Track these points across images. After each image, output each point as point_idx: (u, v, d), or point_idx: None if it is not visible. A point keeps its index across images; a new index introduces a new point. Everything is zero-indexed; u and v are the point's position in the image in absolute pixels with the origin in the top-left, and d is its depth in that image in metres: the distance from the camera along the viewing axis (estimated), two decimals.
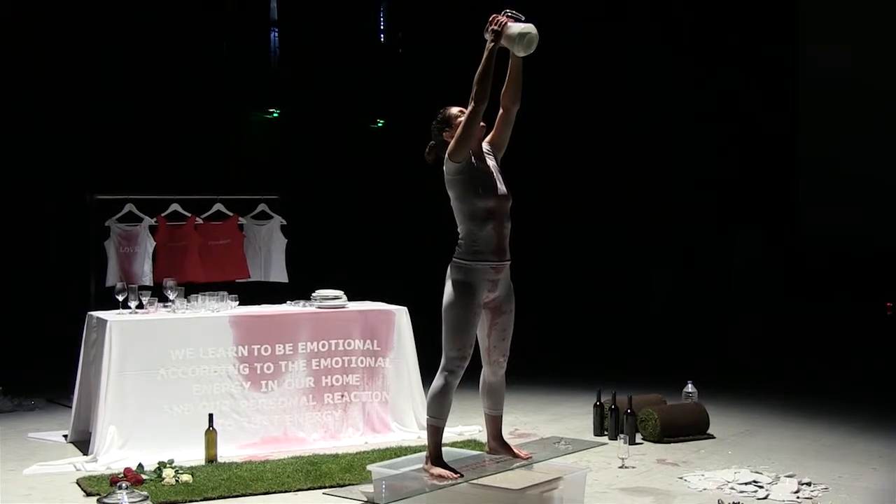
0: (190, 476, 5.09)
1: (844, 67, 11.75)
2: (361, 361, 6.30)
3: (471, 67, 4.57)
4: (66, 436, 6.18)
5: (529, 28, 4.60)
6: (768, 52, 12.38)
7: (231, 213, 7.57)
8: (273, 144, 13.04)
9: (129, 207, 7.23)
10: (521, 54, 4.66)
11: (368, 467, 4.86)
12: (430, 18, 13.26)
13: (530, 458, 4.87)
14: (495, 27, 4.59)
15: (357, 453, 5.71)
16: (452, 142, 4.62)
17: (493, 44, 4.58)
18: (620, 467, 5.49)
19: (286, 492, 4.98)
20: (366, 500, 4.81)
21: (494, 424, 4.96)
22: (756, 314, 11.33)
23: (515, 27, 4.59)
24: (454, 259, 4.70)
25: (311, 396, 6.14)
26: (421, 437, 5.95)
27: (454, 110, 4.75)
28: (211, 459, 5.51)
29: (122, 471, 5.10)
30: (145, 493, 4.34)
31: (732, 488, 5.06)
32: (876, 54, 11.68)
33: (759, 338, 10.88)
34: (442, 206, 4.95)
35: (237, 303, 6.26)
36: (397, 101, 13.22)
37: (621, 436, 6.01)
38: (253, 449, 5.85)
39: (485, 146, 4.79)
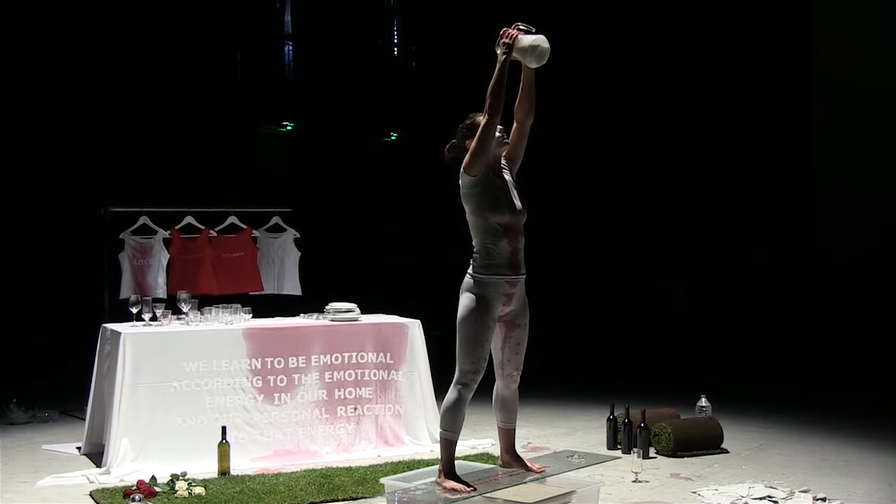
0: (203, 489, 5.09)
1: (858, 77, 11.72)
2: (374, 374, 6.29)
3: (484, 80, 4.57)
4: (79, 448, 6.19)
5: (540, 40, 4.61)
6: (780, 64, 12.37)
7: (245, 226, 7.59)
8: (287, 157, 13.09)
9: (143, 220, 7.26)
10: (534, 66, 4.66)
11: (381, 480, 4.86)
12: (443, 32, 13.31)
13: (543, 471, 4.85)
14: (506, 40, 4.59)
15: (370, 466, 5.70)
16: (468, 155, 4.61)
17: (504, 56, 4.58)
18: (634, 481, 5.47)
19: None
20: None
21: (507, 438, 4.95)
22: (769, 328, 11.28)
23: (526, 39, 4.60)
24: (469, 272, 4.68)
25: (324, 409, 6.14)
26: (434, 451, 5.94)
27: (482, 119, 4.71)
28: (224, 472, 5.51)
29: (135, 483, 5.11)
30: None
31: (747, 503, 5.04)
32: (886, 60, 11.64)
33: (772, 351, 10.83)
34: (457, 219, 4.94)
35: (250, 315, 6.27)
36: (410, 115, 13.26)
37: (635, 450, 5.97)
38: (266, 462, 5.85)
39: (501, 160, 4.78)
